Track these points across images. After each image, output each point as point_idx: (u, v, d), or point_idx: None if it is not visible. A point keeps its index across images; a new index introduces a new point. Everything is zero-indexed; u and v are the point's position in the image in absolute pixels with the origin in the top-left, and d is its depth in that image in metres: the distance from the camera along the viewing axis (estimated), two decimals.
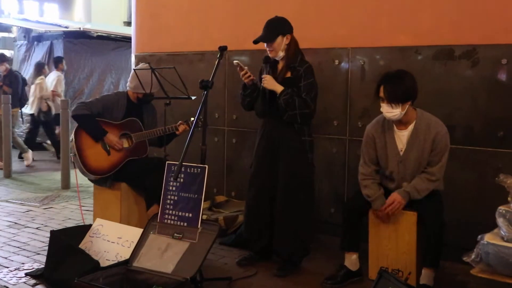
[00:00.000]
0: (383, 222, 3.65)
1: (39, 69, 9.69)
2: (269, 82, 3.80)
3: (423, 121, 3.53)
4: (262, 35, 3.86)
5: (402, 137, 3.58)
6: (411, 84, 3.50)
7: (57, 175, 7.49)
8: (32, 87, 9.55)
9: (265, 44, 3.87)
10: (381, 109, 3.53)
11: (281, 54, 3.86)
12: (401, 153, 3.58)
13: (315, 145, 4.07)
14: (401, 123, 3.56)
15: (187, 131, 4.42)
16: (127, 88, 4.57)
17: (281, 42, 3.83)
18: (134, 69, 4.44)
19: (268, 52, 3.89)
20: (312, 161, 3.97)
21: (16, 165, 8.55)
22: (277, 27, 3.85)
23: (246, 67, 3.93)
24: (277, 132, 3.90)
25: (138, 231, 3.71)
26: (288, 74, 3.86)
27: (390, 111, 3.48)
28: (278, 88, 3.77)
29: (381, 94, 3.49)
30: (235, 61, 3.91)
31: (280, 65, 3.93)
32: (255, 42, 3.87)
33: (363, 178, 3.69)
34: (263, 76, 3.86)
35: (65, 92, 10.77)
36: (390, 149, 3.61)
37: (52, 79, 9.66)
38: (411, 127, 3.55)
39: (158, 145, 4.66)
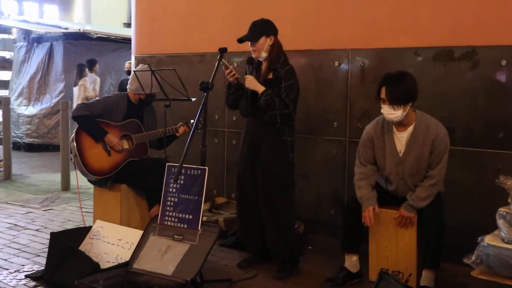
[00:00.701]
0: (365, 223, 3.63)
1: (81, 71, 9.83)
2: (251, 83, 3.86)
3: (423, 123, 3.53)
4: (246, 35, 3.94)
5: (401, 138, 3.58)
6: (412, 85, 3.50)
7: (57, 177, 7.49)
8: (76, 88, 9.70)
9: (249, 44, 3.93)
10: (382, 111, 3.53)
11: (264, 54, 3.91)
12: (400, 154, 3.57)
13: (314, 147, 4.07)
14: (401, 124, 3.56)
15: (187, 132, 4.43)
16: (128, 89, 4.57)
17: (264, 42, 3.89)
18: (134, 71, 4.44)
19: (252, 52, 3.95)
20: (293, 160, 3.99)
21: (16, 166, 8.55)
22: (262, 28, 3.92)
23: (231, 66, 3.98)
24: (259, 131, 3.95)
25: (138, 233, 3.71)
26: (270, 75, 3.92)
27: (392, 113, 3.47)
28: (260, 88, 3.82)
29: (383, 95, 3.48)
30: (222, 61, 3.93)
31: (263, 66, 3.99)
32: (239, 41, 3.93)
33: (357, 178, 3.70)
34: (245, 76, 3.92)
35: (64, 94, 10.81)
36: (389, 150, 3.61)
37: (91, 81, 9.79)
38: (410, 128, 3.55)
39: (158, 148, 4.67)
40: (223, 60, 3.91)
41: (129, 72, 8.93)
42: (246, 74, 3.97)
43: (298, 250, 4.06)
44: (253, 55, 3.96)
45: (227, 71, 3.93)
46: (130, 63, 8.94)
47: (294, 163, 4.02)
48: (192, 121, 4.42)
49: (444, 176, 3.60)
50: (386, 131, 3.63)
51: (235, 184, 4.18)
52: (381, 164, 3.66)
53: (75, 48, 11.13)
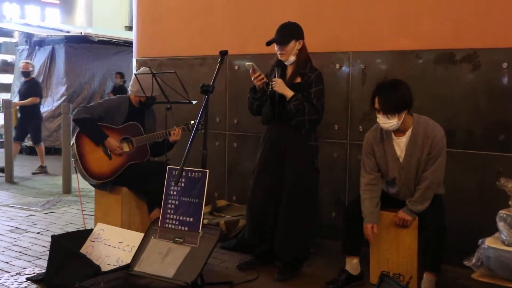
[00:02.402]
0: (367, 239, 3.64)
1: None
2: (280, 86, 3.78)
3: (421, 126, 3.52)
4: (276, 38, 3.85)
5: (400, 143, 3.57)
6: (406, 93, 3.47)
7: (59, 180, 7.49)
8: None
9: (276, 47, 3.86)
10: (378, 120, 3.53)
11: (292, 58, 3.86)
12: (401, 159, 3.57)
13: None
14: (399, 130, 3.55)
15: (184, 132, 4.45)
16: (129, 92, 4.58)
17: (294, 46, 3.84)
18: (135, 74, 4.45)
19: (279, 55, 3.87)
20: (317, 166, 3.97)
21: (17, 169, 8.56)
22: (291, 31, 3.86)
23: (259, 70, 3.87)
24: (284, 136, 3.88)
25: (139, 236, 3.71)
26: (298, 80, 3.86)
27: (387, 122, 3.47)
28: (289, 92, 3.76)
29: (376, 105, 3.48)
30: (248, 63, 3.87)
31: (289, 70, 3.92)
32: (268, 44, 3.86)
33: (362, 189, 3.68)
34: (274, 79, 3.83)
35: (66, 97, 10.83)
36: (389, 157, 3.60)
37: None
38: (408, 133, 3.54)
39: (156, 155, 4.66)
40: (252, 63, 3.85)
41: (24, 73, 8.80)
42: (273, 77, 3.87)
43: (305, 255, 4.02)
44: (281, 59, 3.88)
45: (255, 75, 3.84)
46: (27, 63, 8.87)
47: (319, 169, 3.99)
48: (192, 121, 4.43)
49: (445, 179, 3.60)
50: (385, 138, 3.62)
51: (251, 187, 4.08)
52: (384, 170, 3.66)
53: (77, 52, 11.16)
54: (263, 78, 3.86)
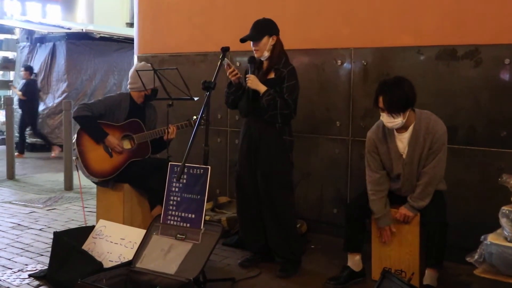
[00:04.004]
0: (385, 242, 3.65)
1: None
2: (253, 82, 3.85)
3: (423, 122, 3.52)
4: (249, 34, 3.94)
5: (403, 139, 3.57)
6: (410, 91, 3.46)
7: (60, 176, 7.49)
8: None
9: (251, 44, 3.93)
10: (382, 118, 3.52)
11: (266, 54, 3.91)
12: (404, 156, 3.57)
13: (317, 146, 4.07)
14: (402, 126, 3.54)
15: (180, 130, 4.48)
16: (129, 89, 4.56)
17: (267, 42, 3.89)
18: (137, 70, 4.43)
19: (254, 51, 3.95)
20: (292, 160, 4.01)
21: (19, 166, 8.57)
22: (264, 27, 3.92)
23: (233, 66, 3.97)
24: (259, 131, 3.95)
25: (141, 232, 3.71)
26: (272, 75, 3.92)
27: (392, 121, 3.46)
28: (262, 88, 3.82)
29: (381, 105, 3.47)
30: (225, 60, 3.93)
31: (264, 66, 3.98)
32: (242, 40, 3.93)
33: (370, 189, 3.66)
34: (247, 75, 3.91)
35: (67, 94, 10.82)
36: (393, 153, 3.60)
37: None
38: (410, 128, 3.54)
39: (155, 152, 4.66)
40: (226, 59, 3.91)
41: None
42: (247, 73, 3.97)
43: (300, 249, 4.06)
44: (255, 55, 3.96)
45: (230, 70, 3.92)
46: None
47: (293, 162, 4.03)
48: (194, 117, 4.43)
49: (446, 175, 3.60)
50: (388, 135, 3.62)
51: (235, 184, 4.19)
52: (388, 167, 3.65)
53: (78, 48, 11.14)
54: (237, 74, 3.94)
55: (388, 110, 3.43)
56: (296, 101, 3.90)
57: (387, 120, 3.47)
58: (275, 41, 3.91)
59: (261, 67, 4.00)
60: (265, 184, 3.94)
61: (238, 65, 5.27)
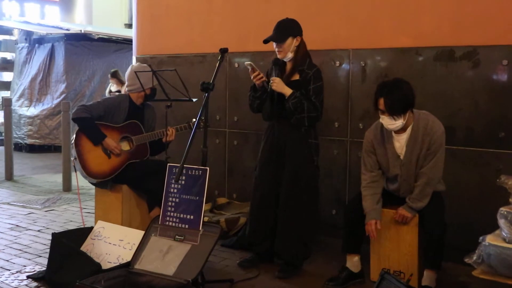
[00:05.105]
0: (373, 238, 3.64)
1: None
2: (279, 85, 3.78)
3: (421, 123, 3.52)
4: (273, 35, 3.85)
5: (401, 140, 3.57)
6: (409, 93, 3.46)
7: (59, 178, 7.50)
8: None
9: (274, 45, 3.86)
10: (382, 121, 3.51)
11: (290, 55, 3.85)
12: (402, 156, 3.57)
13: None
14: (400, 128, 3.55)
15: (184, 131, 4.45)
16: (128, 91, 4.55)
17: (291, 43, 3.82)
18: (135, 71, 4.42)
19: (277, 53, 3.87)
20: (317, 164, 3.97)
21: (17, 167, 8.56)
22: (288, 28, 3.85)
23: (257, 69, 3.89)
24: (284, 134, 3.89)
25: (140, 233, 3.71)
26: (296, 77, 3.85)
27: (393, 123, 3.46)
28: (287, 91, 3.75)
29: (381, 107, 3.46)
30: (247, 63, 3.88)
31: (288, 67, 3.91)
32: (265, 41, 3.86)
33: (363, 186, 3.67)
34: (272, 78, 3.84)
35: (66, 94, 10.83)
36: (390, 154, 3.60)
37: None
38: (409, 129, 3.54)
39: (154, 154, 4.65)
40: (250, 62, 3.85)
41: None
42: (270, 75, 3.89)
43: (305, 254, 4.02)
44: (279, 56, 3.88)
45: (254, 74, 3.85)
46: None
47: (319, 166, 3.99)
48: (194, 120, 4.43)
49: (445, 176, 3.60)
50: (386, 136, 3.62)
51: (253, 186, 4.11)
52: (385, 167, 3.65)
53: (77, 49, 11.15)
54: (262, 77, 3.87)
55: (389, 112, 3.43)
56: (322, 103, 3.84)
57: (388, 122, 3.47)
58: (299, 42, 3.85)
59: (284, 69, 3.93)
60: (290, 188, 3.86)
61: (237, 66, 5.27)
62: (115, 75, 9.53)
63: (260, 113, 4.07)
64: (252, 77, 3.88)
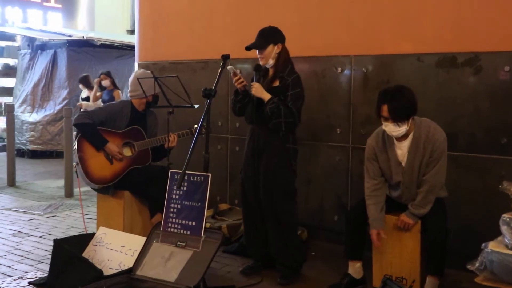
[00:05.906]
0: (377, 247, 3.64)
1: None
2: (258, 90, 3.86)
3: (422, 130, 3.51)
4: (254, 43, 3.95)
5: (403, 147, 3.56)
6: (413, 99, 3.47)
7: (61, 183, 7.50)
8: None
9: (257, 52, 3.94)
10: (384, 127, 3.51)
11: (271, 62, 3.93)
12: (403, 164, 3.57)
13: (317, 153, 4.07)
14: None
15: (186, 137, 4.46)
16: (130, 97, 4.57)
17: (272, 50, 3.90)
18: (137, 78, 4.43)
19: (259, 59, 3.96)
20: (295, 168, 4.00)
21: (19, 173, 8.57)
22: (269, 35, 3.93)
23: (239, 73, 3.99)
24: (263, 138, 3.96)
25: (142, 240, 3.71)
26: (277, 83, 3.92)
27: (397, 130, 3.46)
28: (266, 96, 3.83)
29: (385, 114, 3.46)
30: (229, 67, 3.96)
31: (270, 73, 3.99)
32: (247, 48, 3.95)
33: (366, 194, 3.67)
34: (252, 83, 3.93)
35: (68, 100, 10.85)
36: (392, 161, 3.60)
37: None
38: (410, 137, 3.53)
39: (156, 160, 4.66)
40: (231, 66, 3.93)
41: None
42: (253, 81, 3.98)
43: (301, 256, 4.06)
44: (261, 63, 3.97)
45: (235, 78, 3.93)
46: None
47: (296, 171, 4.02)
48: (196, 126, 4.43)
49: (447, 182, 3.59)
50: (387, 143, 3.62)
51: (240, 190, 4.19)
52: (388, 175, 3.65)
53: (79, 55, 11.18)
54: (242, 81, 3.96)
55: (393, 119, 3.43)
56: (300, 109, 3.91)
57: (392, 129, 3.46)
58: (280, 49, 3.92)
59: (267, 75, 4.01)
60: (267, 192, 3.93)
61: (239, 72, 5.27)
62: (83, 81, 9.47)
63: (242, 116, 4.15)
64: (234, 81, 3.96)
